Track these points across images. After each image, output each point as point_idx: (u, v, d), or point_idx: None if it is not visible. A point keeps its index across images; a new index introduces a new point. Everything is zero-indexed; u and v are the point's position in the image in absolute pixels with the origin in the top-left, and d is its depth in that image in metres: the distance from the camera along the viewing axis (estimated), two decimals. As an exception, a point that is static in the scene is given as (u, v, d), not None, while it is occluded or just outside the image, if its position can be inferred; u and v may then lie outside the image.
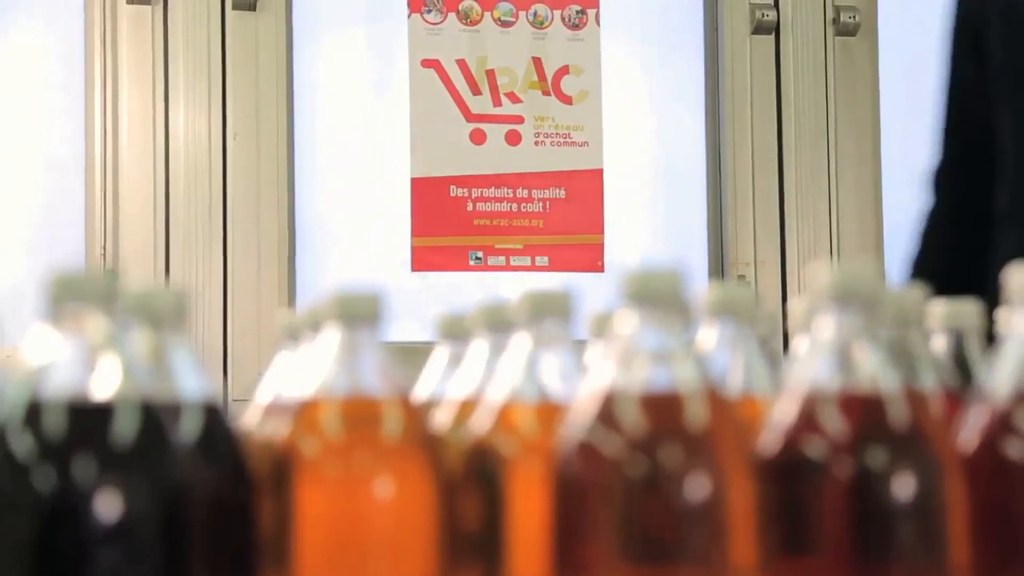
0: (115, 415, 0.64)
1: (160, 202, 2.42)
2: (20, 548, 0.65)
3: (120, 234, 2.42)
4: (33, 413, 0.67)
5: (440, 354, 0.96)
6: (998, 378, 0.75)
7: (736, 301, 0.82)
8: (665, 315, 0.70)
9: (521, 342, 0.79)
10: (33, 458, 0.66)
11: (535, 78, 2.53)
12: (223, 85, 2.43)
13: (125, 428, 0.64)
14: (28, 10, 2.45)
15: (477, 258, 2.49)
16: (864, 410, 0.70)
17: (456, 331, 0.95)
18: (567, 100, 2.56)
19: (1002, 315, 0.78)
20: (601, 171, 2.60)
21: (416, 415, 0.79)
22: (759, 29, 2.62)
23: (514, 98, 2.52)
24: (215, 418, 0.77)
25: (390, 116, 2.52)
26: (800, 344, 0.92)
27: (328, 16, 2.49)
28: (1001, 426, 0.74)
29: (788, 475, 0.70)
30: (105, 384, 0.65)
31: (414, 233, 2.47)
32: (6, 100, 2.45)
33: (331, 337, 0.79)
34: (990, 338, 0.91)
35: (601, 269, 2.56)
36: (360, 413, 0.78)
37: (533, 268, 2.50)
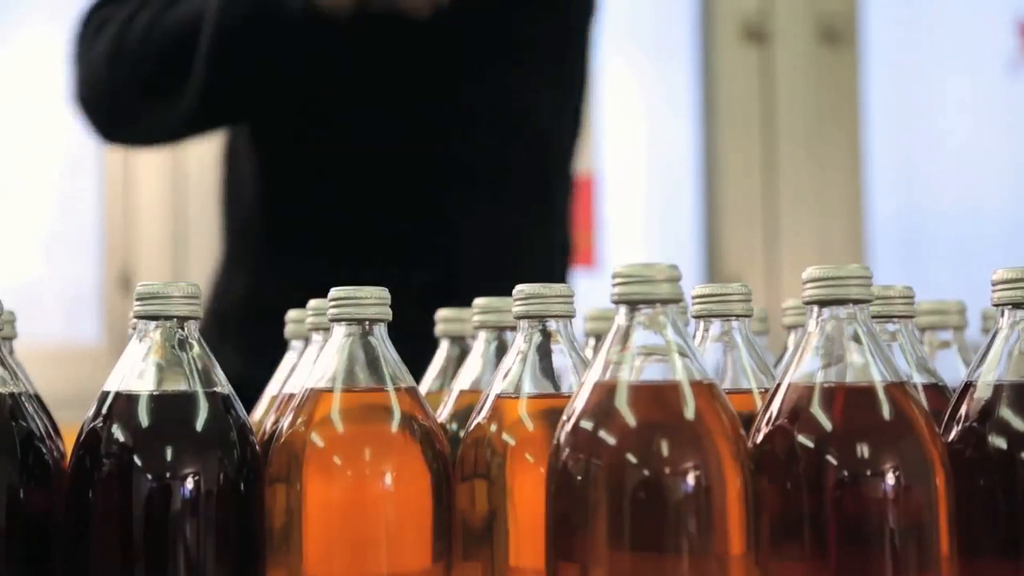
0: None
1: (173, 204, 2.43)
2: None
3: (135, 234, 2.43)
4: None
5: (441, 350, 0.97)
6: (983, 372, 0.77)
7: (729, 299, 0.84)
8: (659, 312, 0.71)
9: (519, 337, 0.80)
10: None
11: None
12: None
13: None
14: (44, 16, 2.47)
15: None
16: (852, 405, 0.72)
17: (456, 327, 0.97)
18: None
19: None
20: (596, 177, 2.62)
21: (419, 408, 0.80)
22: (749, 37, 2.63)
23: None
24: (230, 408, 0.79)
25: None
26: (790, 342, 0.94)
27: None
28: (986, 419, 0.75)
29: (778, 468, 0.71)
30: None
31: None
32: (24, 104, 2.47)
33: (338, 334, 0.80)
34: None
35: (596, 270, 2.58)
36: (365, 406, 0.79)
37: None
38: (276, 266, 1.51)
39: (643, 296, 0.71)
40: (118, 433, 0.76)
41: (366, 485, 0.76)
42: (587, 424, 0.70)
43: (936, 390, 0.86)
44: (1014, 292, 0.76)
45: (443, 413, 0.88)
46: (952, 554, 0.71)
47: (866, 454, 0.70)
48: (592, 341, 0.97)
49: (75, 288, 2.49)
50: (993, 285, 0.77)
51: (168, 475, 0.75)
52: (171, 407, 0.77)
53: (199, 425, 0.76)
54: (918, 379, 0.86)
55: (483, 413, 0.80)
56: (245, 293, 1.51)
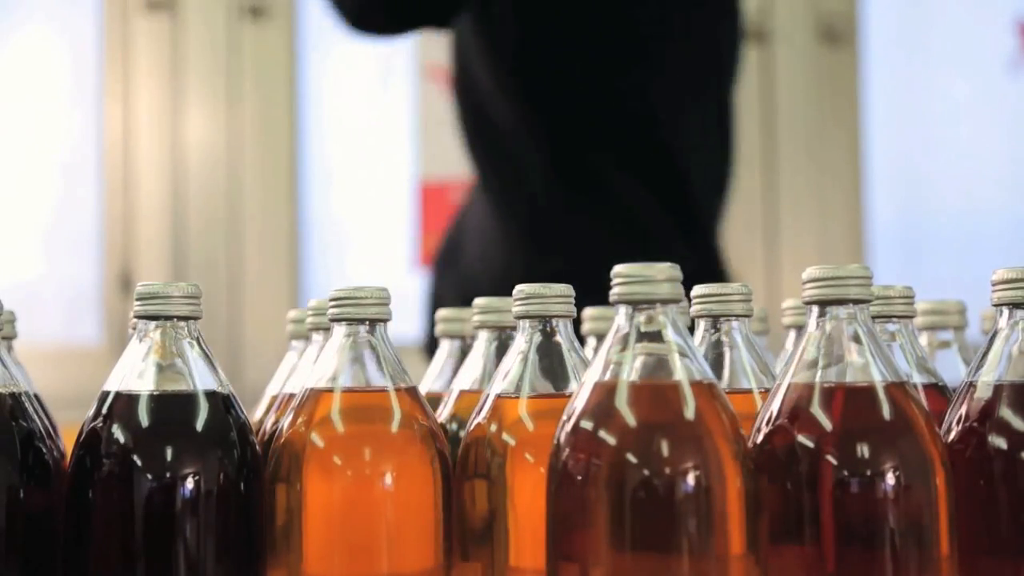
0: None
1: (173, 204, 2.44)
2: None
3: (134, 235, 2.44)
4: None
5: (441, 349, 0.97)
6: (983, 372, 0.77)
7: (729, 299, 0.84)
8: (659, 312, 0.71)
9: (520, 337, 0.80)
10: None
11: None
12: (233, 91, 2.45)
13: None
14: (46, 18, 2.47)
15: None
16: (852, 405, 0.72)
17: (456, 327, 0.97)
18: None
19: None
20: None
21: (420, 408, 0.80)
22: (749, 37, 2.64)
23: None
24: (230, 408, 0.79)
25: (396, 119, 2.54)
26: (790, 342, 0.94)
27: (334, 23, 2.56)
28: (986, 419, 0.75)
29: (778, 468, 0.71)
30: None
31: (420, 233, 2.51)
32: (24, 104, 2.47)
33: (338, 334, 0.80)
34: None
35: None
36: (365, 406, 0.79)
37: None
38: (566, 237, 1.59)
39: (643, 296, 0.71)
40: (118, 433, 0.76)
41: (366, 485, 0.76)
42: (587, 424, 0.70)
43: (936, 390, 0.86)
44: (1014, 292, 0.76)
45: (443, 413, 0.88)
46: (952, 554, 0.71)
47: (866, 454, 0.70)
48: (592, 341, 0.97)
49: (75, 288, 2.49)
50: (993, 285, 0.77)
51: (168, 475, 0.75)
52: (171, 407, 0.77)
53: (199, 425, 0.76)
54: (918, 379, 0.86)
55: (483, 413, 0.80)
56: (542, 266, 1.57)
